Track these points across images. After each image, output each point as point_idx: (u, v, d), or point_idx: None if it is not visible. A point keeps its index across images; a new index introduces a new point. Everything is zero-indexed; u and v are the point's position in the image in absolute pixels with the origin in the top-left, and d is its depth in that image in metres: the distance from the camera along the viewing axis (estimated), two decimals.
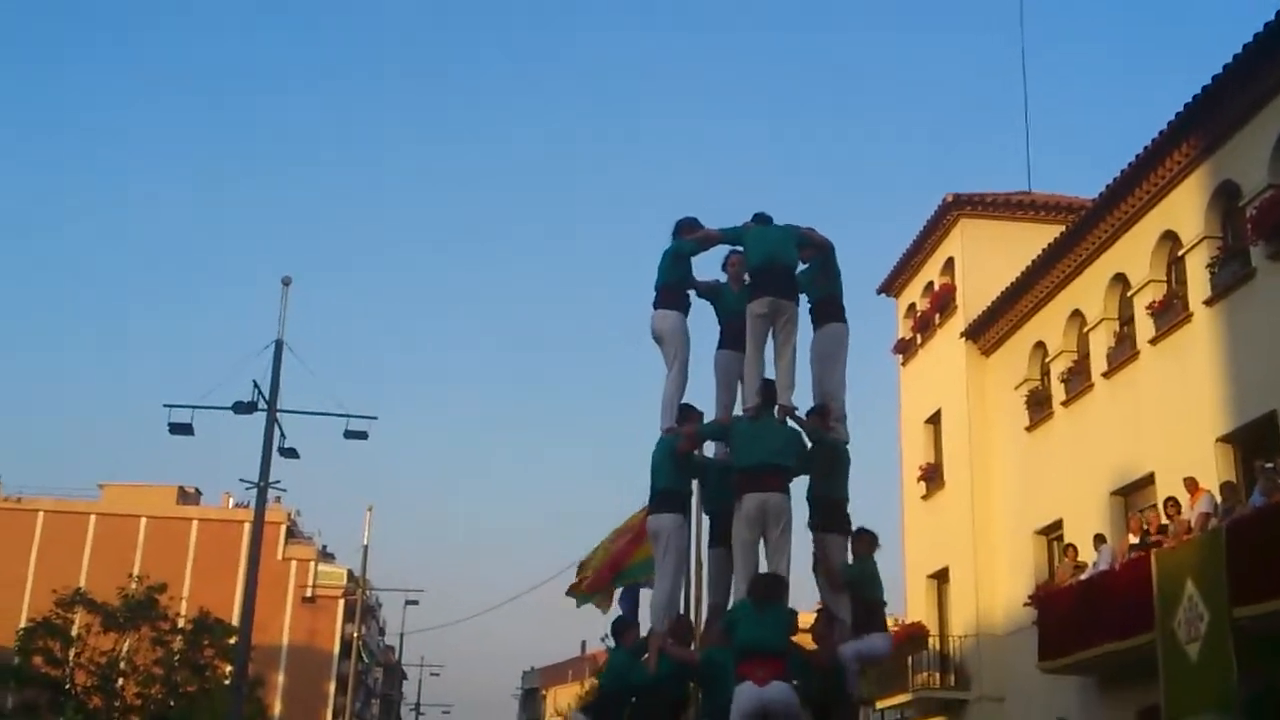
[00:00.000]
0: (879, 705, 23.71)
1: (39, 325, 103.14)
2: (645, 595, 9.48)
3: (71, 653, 35.43)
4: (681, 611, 9.17)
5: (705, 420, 9.12)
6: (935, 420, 26.00)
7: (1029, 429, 22.11)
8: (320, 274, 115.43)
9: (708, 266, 9.62)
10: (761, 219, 9.16)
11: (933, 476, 25.73)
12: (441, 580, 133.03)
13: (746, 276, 9.19)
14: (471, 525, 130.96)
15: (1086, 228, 19.93)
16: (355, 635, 43.97)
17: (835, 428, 8.94)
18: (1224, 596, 13.48)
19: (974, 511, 23.43)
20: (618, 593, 10.49)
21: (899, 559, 27.12)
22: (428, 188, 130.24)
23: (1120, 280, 19.45)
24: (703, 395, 9.28)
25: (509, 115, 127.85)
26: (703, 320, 9.51)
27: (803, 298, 9.12)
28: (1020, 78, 74.94)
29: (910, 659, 23.72)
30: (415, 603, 49.56)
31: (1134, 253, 18.88)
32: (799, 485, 8.83)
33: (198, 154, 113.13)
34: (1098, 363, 19.87)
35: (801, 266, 9.19)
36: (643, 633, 8.98)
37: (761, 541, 8.42)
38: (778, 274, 8.76)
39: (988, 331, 23.69)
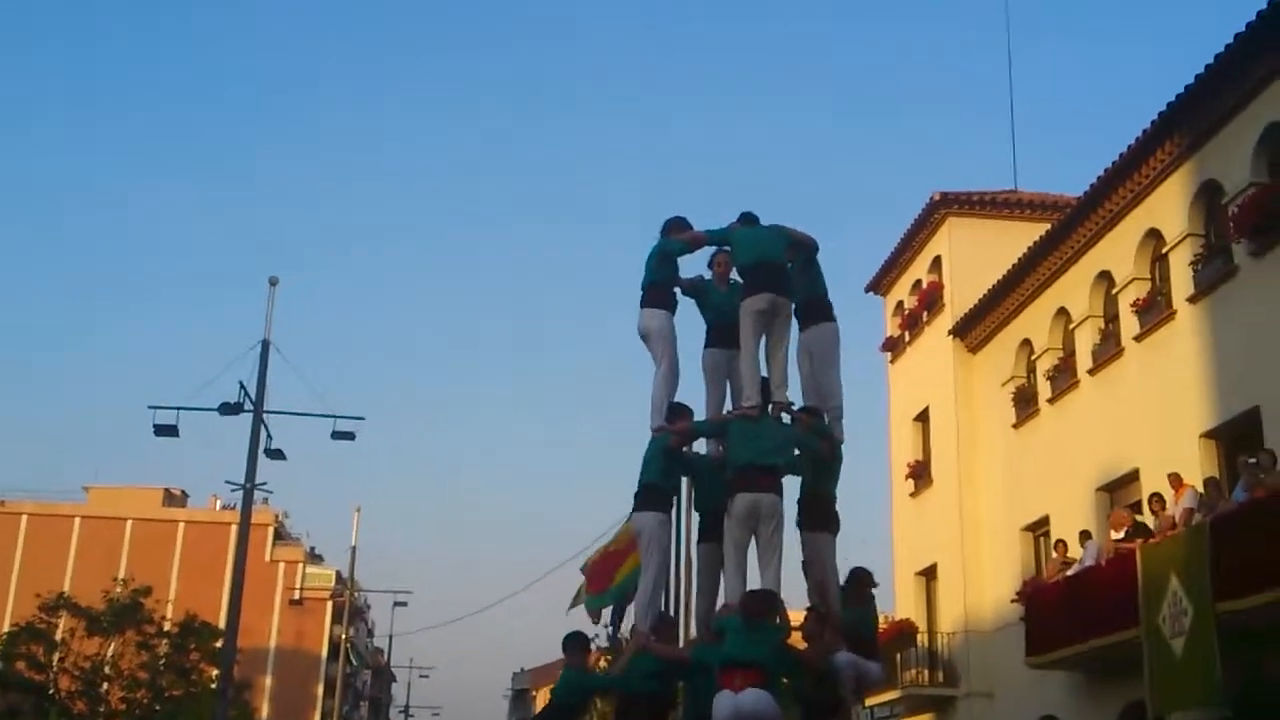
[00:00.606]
0: (868, 703, 23.77)
1: (22, 326, 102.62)
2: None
3: (55, 657, 35.17)
4: (665, 610, 9.20)
5: (695, 418, 9.15)
6: (923, 418, 26.10)
7: (1015, 426, 22.22)
8: (308, 274, 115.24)
9: (693, 266, 9.66)
10: (748, 219, 9.19)
11: (921, 474, 25.83)
12: (431, 581, 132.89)
13: (735, 275, 9.21)
14: (460, 526, 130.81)
15: (1071, 226, 20.03)
16: (344, 637, 44.00)
17: (829, 426, 8.97)
18: (1208, 591, 13.57)
19: (961, 508, 23.53)
20: (607, 612, 10.47)
21: (888, 556, 27.23)
22: (416, 185, 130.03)
23: (1105, 278, 19.55)
24: (687, 395, 9.31)
25: (499, 107, 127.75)
26: (687, 319, 9.54)
27: None
28: (1007, 76, 75.15)
29: (899, 656, 23.81)
30: (404, 604, 49.42)
31: (1118, 250, 18.99)
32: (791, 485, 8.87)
33: (185, 152, 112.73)
34: (1083, 360, 19.97)
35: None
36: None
37: (753, 540, 8.44)
38: (772, 271, 8.79)
39: (975, 329, 23.79)
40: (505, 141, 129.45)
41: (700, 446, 9.54)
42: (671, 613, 9.46)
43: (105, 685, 35.62)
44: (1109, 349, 19.20)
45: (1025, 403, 22.00)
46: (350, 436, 24.19)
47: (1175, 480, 15.59)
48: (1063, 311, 20.87)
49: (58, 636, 35.89)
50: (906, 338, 27.06)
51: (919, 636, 24.14)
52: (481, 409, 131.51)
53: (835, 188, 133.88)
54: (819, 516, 8.81)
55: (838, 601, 8.77)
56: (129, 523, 63.11)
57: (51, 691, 34.82)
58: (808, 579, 8.84)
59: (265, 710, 58.62)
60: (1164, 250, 17.92)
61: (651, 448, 8.87)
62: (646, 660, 8.60)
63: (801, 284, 9.18)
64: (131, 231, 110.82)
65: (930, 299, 25.58)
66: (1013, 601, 20.28)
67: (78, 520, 63.19)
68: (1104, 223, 19.19)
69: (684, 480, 9.66)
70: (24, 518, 63.27)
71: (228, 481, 25.16)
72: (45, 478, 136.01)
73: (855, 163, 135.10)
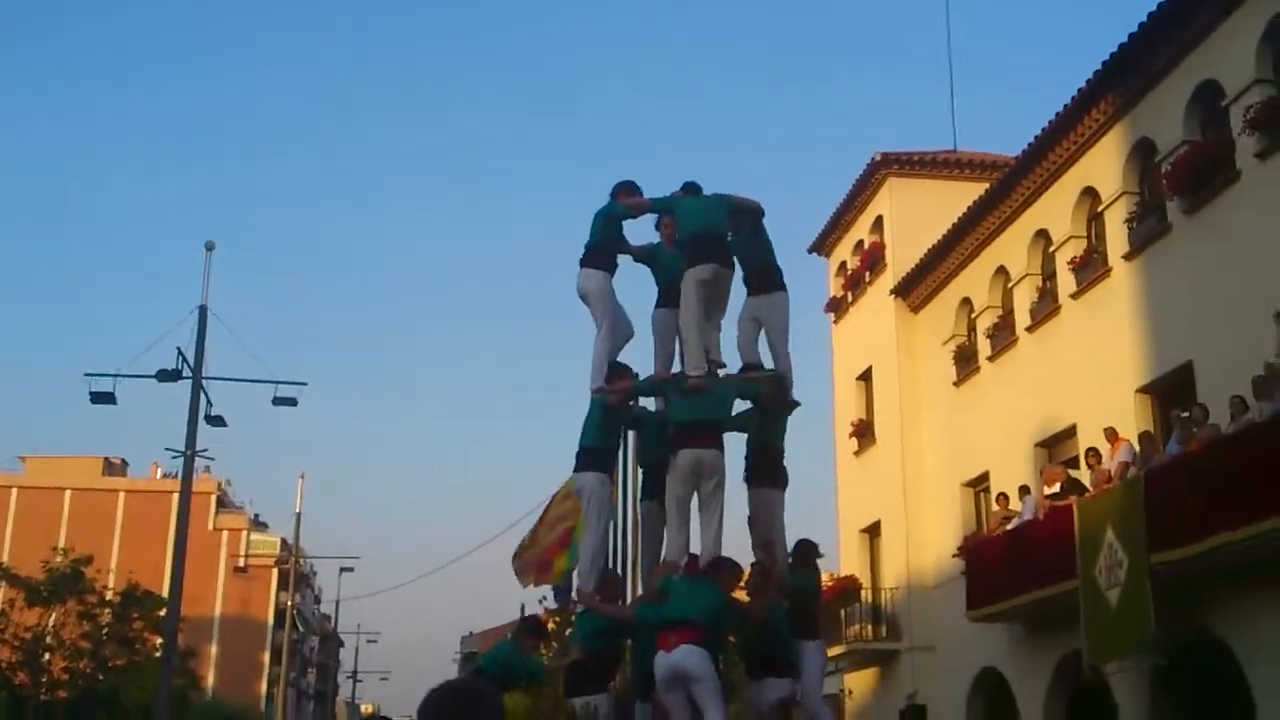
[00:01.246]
0: None
1: None
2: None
3: None
4: (610, 568, 9.25)
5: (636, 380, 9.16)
6: (866, 377, 26.34)
7: (956, 384, 22.50)
8: (249, 240, 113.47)
9: (643, 231, 9.66)
10: (691, 188, 9.20)
11: (864, 432, 26.09)
12: (377, 547, 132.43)
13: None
14: (407, 491, 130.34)
15: (1009, 186, 20.23)
16: (289, 604, 43.68)
17: (774, 385, 9.01)
18: (1142, 543, 13.86)
19: (904, 466, 23.83)
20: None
21: (832, 514, 27.56)
22: (356, 150, 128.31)
23: (1042, 236, 19.79)
24: (627, 356, 9.32)
25: (444, 80, 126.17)
26: (635, 281, 9.54)
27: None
28: (945, 36, 75.42)
29: (843, 612, 24.14)
30: (350, 570, 49.34)
31: (1055, 209, 19.23)
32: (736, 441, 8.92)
33: (125, 116, 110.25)
34: (1021, 318, 20.24)
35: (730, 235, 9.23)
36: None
37: (695, 496, 8.50)
38: (714, 241, 8.82)
39: (916, 289, 24.00)
40: (448, 110, 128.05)
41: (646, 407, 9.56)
42: (619, 571, 9.52)
43: (47, 656, 35.15)
44: (1046, 306, 19.47)
45: (966, 361, 22.27)
46: (292, 402, 23.98)
47: (1111, 434, 15.87)
48: (1002, 270, 21.11)
49: None
50: (849, 298, 27.25)
51: (863, 592, 24.49)
52: (428, 373, 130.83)
53: (778, 149, 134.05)
54: (767, 471, 8.89)
55: (784, 556, 8.87)
56: (68, 492, 62.21)
57: None
58: (753, 534, 8.92)
59: (211, 678, 58.26)
60: (1100, 209, 18.16)
61: (592, 408, 8.88)
62: (592, 619, 8.65)
63: (750, 250, 9.20)
64: (68, 196, 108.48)
65: (872, 259, 25.75)
66: (954, 556, 20.62)
67: (15, 491, 62.18)
68: (1041, 182, 19.40)
69: (626, 441, 9.70)
70: None
71: (168, 449, 24.98)
72: None
73: (797, 124, 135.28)
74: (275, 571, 63.02)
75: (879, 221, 25.67)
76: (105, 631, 35.68)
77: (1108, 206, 17.82)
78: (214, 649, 61.25)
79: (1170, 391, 16.22)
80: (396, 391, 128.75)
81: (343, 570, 50.04)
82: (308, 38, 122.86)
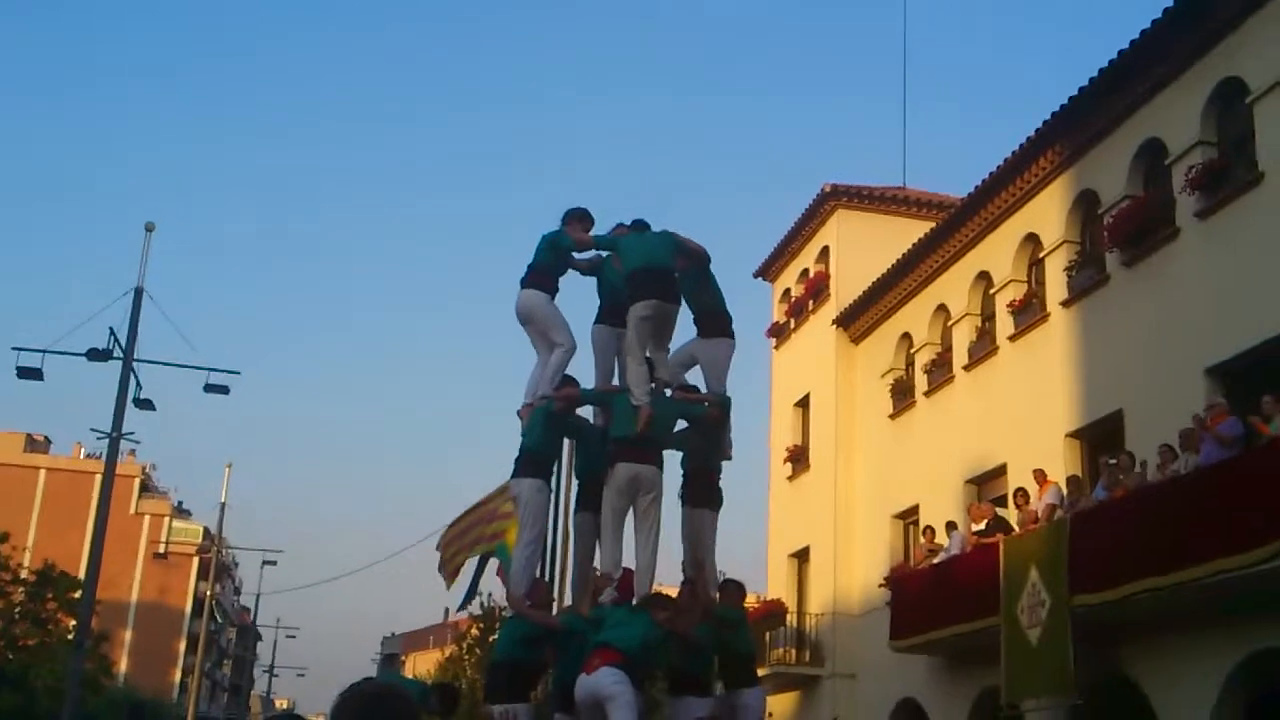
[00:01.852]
0: None
1: None
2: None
3: None
4: (541, 576, 9.28)
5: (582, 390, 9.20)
6: (804, 404, 26.58)
7: (892, 416, 22.79)
8: (192, 226, 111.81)
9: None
10: (639, 225, 9.25)
11: (799, 458, 26.32)
12: (302, 542, 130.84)
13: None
14: (337, 489, 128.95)
15: (954, 226, 20.59)
16: (209, 594, 43.03)
17: (718, 409, 9.07)
18: (1064, 585, 14.12)
19: (836, 494, 24.07)
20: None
21: (763, 537, 27.74)
22: (301, 140, 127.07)
23: (984, 278, 20.14)
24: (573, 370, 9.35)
25: (388, 67, 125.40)
26: (575, 293, 9.57)
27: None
28: (902, 78, 76.54)
29: (768, 635, 24.30)
30: (273, 563, 48.94)
31: (998, 253, 19.58)
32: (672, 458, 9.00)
33: (64, 84, 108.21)
34: (959, 356, 20.56)
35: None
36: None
37: (630, 510, 8.57)
38: (659, 277, 8.84)
39: (858, 320, 24.29)
40: (393, 101, 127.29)
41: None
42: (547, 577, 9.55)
43: None
44: (984, 347, 19.81)
45: (903, 394, 22.58)
46: (224, 390, 23.65)
47: (1040, 476, 16.16)
48: (943, 308, 21.44)
49: None
50: (792, 325, 27.50)
51: (789, 616, 24.67)
52: (366, 372, 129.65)
53: (729, 174, 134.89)
54: (703, 492, 8.96)
55: (713, 577, 8.94)
56: None
57: None
58: (685, 552, 8.98)
59: (124, 664, 57.23)
60: (1041, 255, 18.53)
61: (535, 414, 8.90)
62: (519, 625, 8.66)
63: (698, 295, 9.23)
64: (4, 168, 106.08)
65: (816, 288, 26.02)
66: (880, 586, 20.83)
67: None
68: (985, 225, 19.76)
69: (564, 452, 9.73)
70: None
71: (93, 429, 24.50)
72: None
73: (750, 151, 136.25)
74: (196, 560, 62.17)
75: (825, 251, 25.95)
76: (18, 610, 34.97)
77: (1049, 254, 18.19)
78: (129, 635, 60.22)
79: (1100, 438, 16.57)
80: (333, 388, 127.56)
81: (265, 563, 49.61)
82: (266, 28, 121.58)
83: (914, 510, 21.57)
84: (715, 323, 9.31)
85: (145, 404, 22.96)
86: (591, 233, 9.27)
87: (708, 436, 9.03)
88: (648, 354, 8.99)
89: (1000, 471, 18.80)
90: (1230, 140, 14.80)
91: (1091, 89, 16.59)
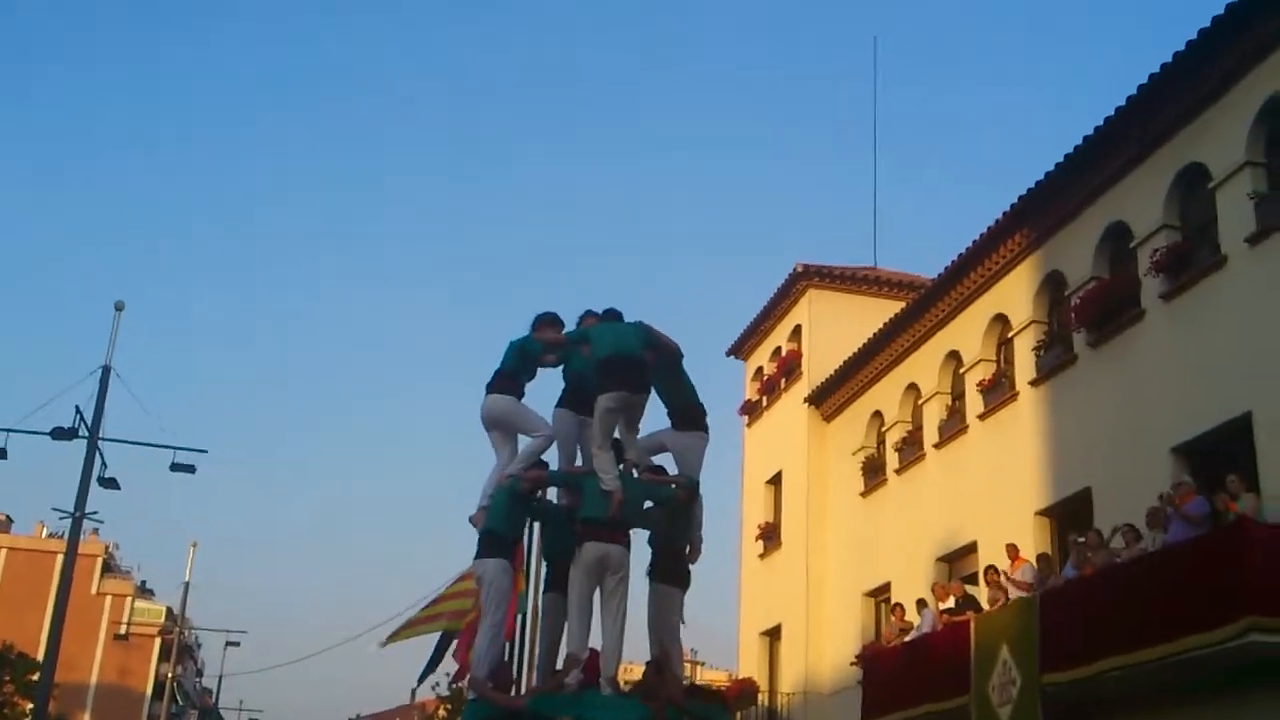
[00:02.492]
0: None
1: None
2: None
3: None
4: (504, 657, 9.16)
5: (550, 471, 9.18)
6: (776, 481, 26.60)
7: (864, 494, 22.82)
8: (159, 305, 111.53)
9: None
10: (610, 314, 9.29)
11: (770, 536, 26.26)
12: (266, 623, 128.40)
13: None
14: (301, 569, 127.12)
15: (924, 306, 20.84)
16: (170, 675, 42.18)
17: (687, 492, 9.04)
18: (1035, 663, 14.09)
19: (808, 572, 23.99)
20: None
21: (734, 614, 27.55)
22: (272, 212, 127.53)
23: (954, 357, 20.35)
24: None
25: (358, 144, 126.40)
26: (541, 379, 9.54)
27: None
28: (872, 160, 77.80)
29: (739, 716, 23.99)
30: (236, 644, 47.78)
31: (967, 332, 19.81)
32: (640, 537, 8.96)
33: (35, 161, 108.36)
34: (930, 434, 20.68)
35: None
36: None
37: (598, 591, 8.51)
38: (628, 367, 8.75)
39: (830, 399, 24.42)
40: (361, 162, 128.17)
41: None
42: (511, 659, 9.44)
43: None
44: (954, 425, 19.94)
45: (874, 472, 22.63)
46: (190, 469, 23.46)
47: (1013, 551, 16.18)
48: (913, 387, 21.61)
49: None
50: (764, 402, 27.61)
51: (761, 695, 24.40)
52: (330, 447, 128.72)
53: (703, 252, 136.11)
54: (671, 570, 8.92)
55: (680, 656, 8.87)
56: None
57: None
58: (651, 631, 8.91)
59: None
60: (1010, 335, 18.76)
61: (499, 495, 8.86)
62: (483, 708, 8.55)
63: (670, 390, 9.24)
64: None
65: (789, 366, 26.19)
66: (852, 664, 20.70)
67: None
68: (955, 305, 20.02)
69: (532, 532, 9.66)
70: None
71: (55, 509, 24.07)
72: None
73: (723, 229, 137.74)
74: (158, 641, 60.78)
75: (797, 330, 26.17)
76: None
77: (1017, 333, 18.42)
78: (87, 718, 58.66)
79: (1068, 516, 16.63)
80: (298, 468, 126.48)
81: (228, 644, 48.49)
82: (238, 108, 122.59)
83: (885, 588, 21.51)
84: (688, 415, 9.28)
85: (110, 483, 22.71)
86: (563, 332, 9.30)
87: (676, 516, 9.00)
88: (616, 435, 8.98)
89: (971, 549, 18.82)
90: (1193, 224, 15.09)
91: (1058, 173, 16.94)
